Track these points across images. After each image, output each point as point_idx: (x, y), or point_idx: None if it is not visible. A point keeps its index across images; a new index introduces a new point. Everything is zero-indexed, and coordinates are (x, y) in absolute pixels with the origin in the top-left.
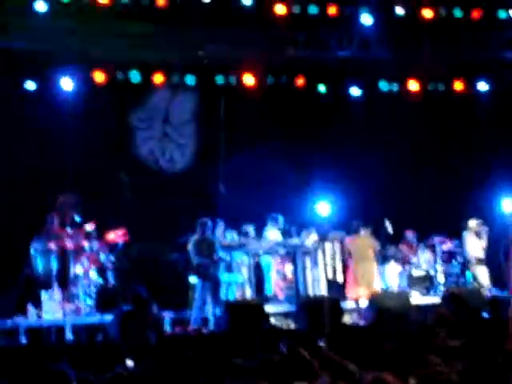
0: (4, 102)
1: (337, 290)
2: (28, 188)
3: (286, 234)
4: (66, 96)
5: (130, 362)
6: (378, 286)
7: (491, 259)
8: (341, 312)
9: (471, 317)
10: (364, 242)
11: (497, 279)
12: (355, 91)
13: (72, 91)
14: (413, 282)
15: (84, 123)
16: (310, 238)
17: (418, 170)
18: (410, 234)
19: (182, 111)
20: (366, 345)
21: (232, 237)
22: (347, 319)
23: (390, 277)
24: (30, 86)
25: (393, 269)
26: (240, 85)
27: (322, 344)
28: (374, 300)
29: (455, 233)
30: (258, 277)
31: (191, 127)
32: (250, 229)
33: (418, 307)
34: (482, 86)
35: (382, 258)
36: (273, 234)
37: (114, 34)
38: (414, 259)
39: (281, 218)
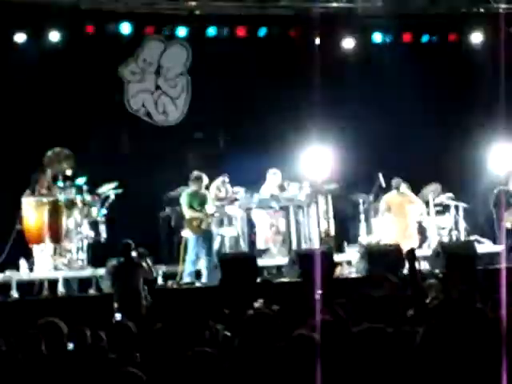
0: None
1: (329, 242)
2: (18, 142)
3: (280, 188)
4: (55, 49)
5: (118, 316)
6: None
7: (480, 212)
8: (333, 264)
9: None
10: (404, 198)
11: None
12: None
13: (62, 44)
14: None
15: (75, 76)
16: (303, 192)
17: (415, 123)
18: (404, 187)
19: (174, 63)
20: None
21: (226, 190)
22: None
23: (382, 229)
24: (20, 38)
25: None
26: (232, 36)
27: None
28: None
29: (449, 186)
30: (251, 230)
31: (183, 80)
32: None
33: None
34: (476, 38)
35: (375, 211)
36: (269, 188)
37: None
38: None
39: (279, 173)
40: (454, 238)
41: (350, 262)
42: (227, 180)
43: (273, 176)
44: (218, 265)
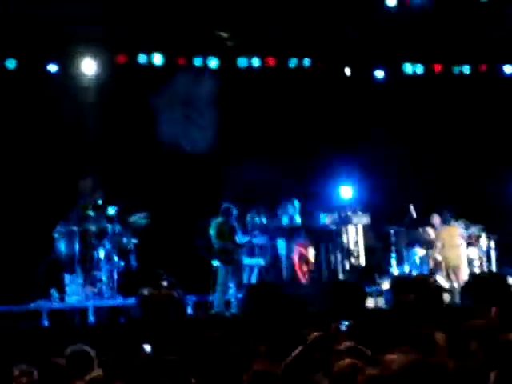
0: (26, 84)
1: (358, 274)
2: (51, 172)
3: (309, 217)
4: (87, 79)
5: (147, 347)
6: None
7: None
8: (364, 296)
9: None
10: (454, 231)
11: None
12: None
13: (94, 74)
14: (436, 266)
15: (106, 107)
16: (332, 221)
17: (442, 155)
18: (436, 219)
19: (203, 94)
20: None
21: (253, 220)
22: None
23: (414, 261)
24: (52, 68)
25: (417, 253)
26: (262, 67)
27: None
28: None
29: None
30: (277, 261)
31: (212, 109)
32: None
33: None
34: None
35: (407, 243)
36: (293, 217)
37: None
38: (438, 243)
39: (297, 203)
40: (486, 270)
41: (381, 292)
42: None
43: (292, 205)
44: (247, 295)
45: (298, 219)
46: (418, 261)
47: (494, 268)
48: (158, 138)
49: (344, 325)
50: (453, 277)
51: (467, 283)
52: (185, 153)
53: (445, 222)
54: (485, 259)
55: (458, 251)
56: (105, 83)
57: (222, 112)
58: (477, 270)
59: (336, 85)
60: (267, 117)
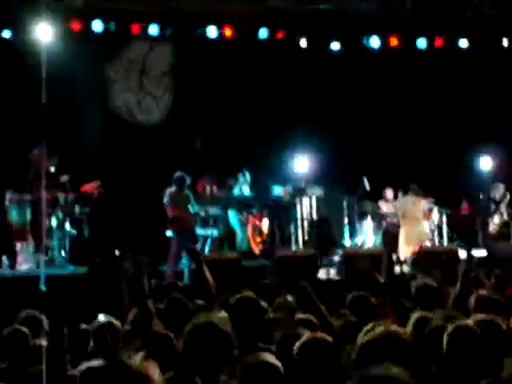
0: None
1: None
2: (2, 139)
3: (262, 189)
4: (41, 45)
5: (102, 317)
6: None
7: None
8: (316, 267)
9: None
10: (419, 204)
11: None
12: (336, 46)
13: (48, 40)
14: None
15: (60, 74)
16: (286, 193)
17: (398, 127)
18: (389, 192)
19: (159, 63)
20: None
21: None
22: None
23: (366, 233)
24: (5, 34)
25: (369, 225)
26: (219, 37)
27: (290, 299)
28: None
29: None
30: (232, 232)
31: (167, 79)
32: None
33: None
34: (463, 43)
35: (360, 215)
36: (244, 189)
37: None
38: (390, 216)
39: (248, 175)
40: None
41: (332, 264)
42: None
43: (243, 177)
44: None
45: (248, 190)
46: (369, 232)
47: (445, 242)
48: (112, 107)
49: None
50: (406, 249)
51: (417, 256)
52: (138, 122)
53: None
54: (436, 233)
55: (420, 226)
56: (59, 50)
57: (178, 82)
58: (428, 244)
59: (292, 56)
60: (222, 88)
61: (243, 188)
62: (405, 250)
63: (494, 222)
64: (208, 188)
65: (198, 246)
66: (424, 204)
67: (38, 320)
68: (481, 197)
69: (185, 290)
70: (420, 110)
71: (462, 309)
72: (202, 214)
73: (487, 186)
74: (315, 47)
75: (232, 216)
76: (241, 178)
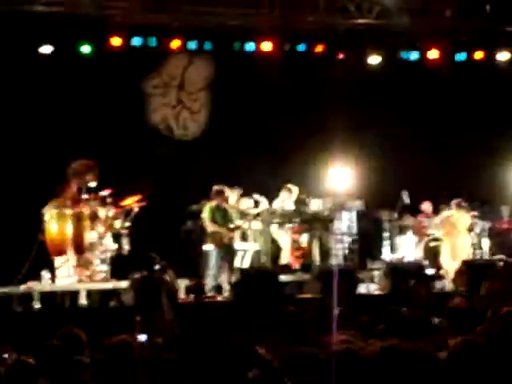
0: (19, 66)
1: (352, 259)
2: (43, 153)
3: (300, 203)
4: (81, 61)
5: (142, 337)
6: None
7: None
8: (356, 282)
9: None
10: (459, 216)
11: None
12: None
13: (88, 56)
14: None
15: (99, 89)
16: (327, 207)
17: (437, 142)
18: (427, 206)
19: (197, 78)
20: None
21: (247, 204)
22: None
23: (405, 247)
24: (46, 49)
25: (409, 239)
26: (257, 52)
27: (337, 312)
28: None
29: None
30: (273, 246)
31: (205, 94)
32: (262, 198)
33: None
34: (503, 56)
35: (399, 229)
36: (286, 203)
37: None
38: (430, 230)
39: (295, 189)
40: (478, 257)
41: (372, 278)
42: (241, 192)
43: (287, 191)
44: (240, 280)
45: (291, 205)
46: (410, 247)
47: (486, 256)
48: (150, 122)
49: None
50: (449, 264)
51: (460, 270)
52: (176, 137)
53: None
54: (477, 246)
55: (464, 239)
56: (99, 66)
57: (215, 97)
58: (469, 258)
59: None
60: (260, 103)
61: (286, 202)
62: (450, 265)
63: None
64: (239, 201)
65: (238, 260)
66: (467, 218)
67: (77, 336)
68: None
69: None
70: (460, 123)
71: None
72: (243, 227)
73: None
74: (353, 60)
75: (274, 230)
76: (282, 193)
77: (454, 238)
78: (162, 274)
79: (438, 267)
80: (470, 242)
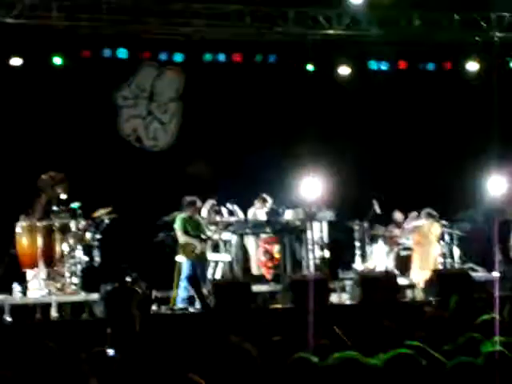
0: None
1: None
2: (12, 167)
3: (273, 213)
4: (51, 73)
5: (110, 351)
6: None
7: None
8: (328, 291)
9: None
10: (436, 228)
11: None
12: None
13: (58, 68)
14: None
15: (69, 101)
16: (297, 218)
17: (407, 151)
18: (398, 215)
19: (166, 89)
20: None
21: (220, 215)
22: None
23: (377, 257)
24: (16, 61)
25: (380, 249)
26: (228, 63)
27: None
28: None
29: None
30: (245, 256)
31: (176, 105)
32: (236, 207)
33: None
34: (471, 66)
35: (370, 238)
36: (259, 213)
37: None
38: (401, 240)
39: (269, 199)
40: (449, 266)
41: (344, 288)
42: (215, 203)
43: (261, 202)
44: (212, 291)
45: (263, 215)
46: (381, 257)
47: (456, 264)
48: (120, 133)
49: None
50: (419, 273)
51: (431, 279)
52: (145, 149)
53: (427, 218)
54: (448, 255)
55: (434, 249)
56: (68, 77)
57: (186, 107)
58: (440, 267)
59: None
60: (230, 113)
61: (259, 212)
62: (419, 274)
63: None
64: (211, 212)
65: (210, 271)
66: (437, 227)
67: (50, 349)
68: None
69: (196, 317)
70: (430, 133)
71: None
72: (215, 238)
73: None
74: (323, 72)
75: (246, 241)
76: (256, 203)
77: (425, 247)
78: (133, 286)
79: (409, 276)
80: (441, 251)
